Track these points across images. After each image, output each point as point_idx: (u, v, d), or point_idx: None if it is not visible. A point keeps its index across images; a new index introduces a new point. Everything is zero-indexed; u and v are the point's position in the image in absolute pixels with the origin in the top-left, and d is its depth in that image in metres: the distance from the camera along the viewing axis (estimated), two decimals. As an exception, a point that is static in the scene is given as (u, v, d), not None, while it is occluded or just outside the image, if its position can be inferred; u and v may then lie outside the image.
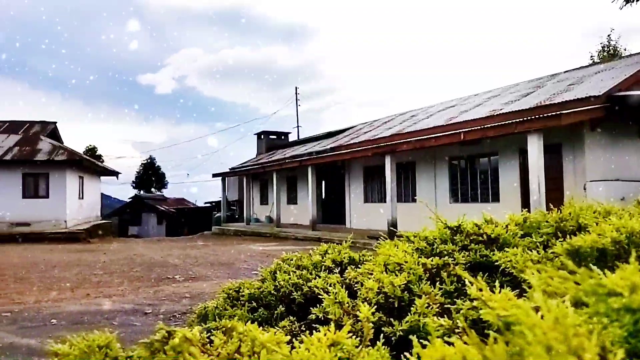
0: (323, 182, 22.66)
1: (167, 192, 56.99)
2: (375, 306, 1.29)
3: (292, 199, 23.83)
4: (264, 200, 26.65)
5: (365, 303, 1.15)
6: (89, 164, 23.46)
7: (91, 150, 48.69)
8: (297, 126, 38.67)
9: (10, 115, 39.37)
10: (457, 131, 11.84)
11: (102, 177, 29.13)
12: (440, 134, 12.46)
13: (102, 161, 41.37)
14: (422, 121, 16.60)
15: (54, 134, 25.15)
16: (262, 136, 31.27)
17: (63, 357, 0.89)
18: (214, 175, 27.76)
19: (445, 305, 1.29)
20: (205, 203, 46.34)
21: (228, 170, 28.06)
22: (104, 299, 7.02)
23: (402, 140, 13.92)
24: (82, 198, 23.81)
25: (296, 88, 39.26)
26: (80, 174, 23.05)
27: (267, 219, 24.66)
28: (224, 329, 1.14)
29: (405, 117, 19.77)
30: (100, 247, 16.98)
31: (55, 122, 25.38)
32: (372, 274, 1.56)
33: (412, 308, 1.29)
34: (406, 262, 1.54)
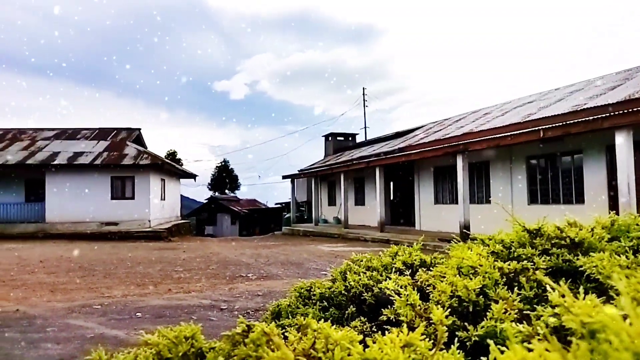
0: (391, 183, 22.40)
1: (240, 194, 59.24)
2: (449, 310, 1.26)
3: (359, 200, 23.80)
4: (331, 202, 26.86)
5: (439, 306, 1.14)
6: (170, 167, 24.98)
7: (171, 155, 51.83)
8: (365, 127, 38.59)
9: (100, 123, 42.87)
10: (536, 128, 11.18)
11: (181, 180, 30.93)
12: (517, 132, 11.83)
13: (181, 164, 43.88)
14: (496, 119, 15.88)
15: (139, 139, 27.10)
16: (330, 138, 31.54)
17: (153, 347, 0.98)
18: (284, 177, 28.46)
19: (524, 312, 1.24)
20: (276, 204, 47.58)
21: (297, 172, 28.62)
22: (183, 294, 7.44)
23: (475, 139, 13.40)
24: (164, 199, 25.42)
25: (363, 89, 39.21)
26: (162, 176, 24.63)
27: (335, 220, 24.82)
28: (297, 326, 1.17)
29: (478, 115, 19.03)
30: (180, 245, 18.02)
31: (140, 129, 27.32)
32: (444, 277, 1.53)
33: (488, 313, 1.25)
34: (481, 265, 1.49)
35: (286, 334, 1.06)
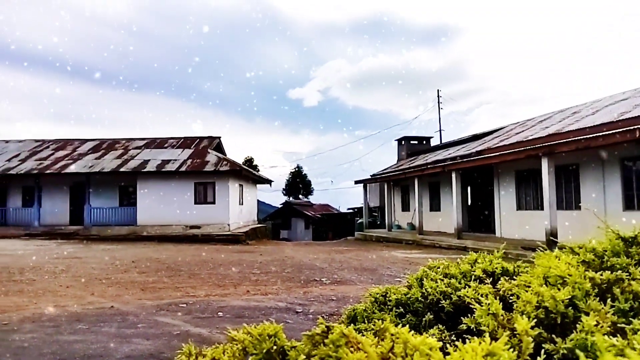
0: (468, 187, 21.57)
1: (313, 199, 60.15)
2: (534, 320, 1.20)
3: (435, 206, 23.17)
4: (405, 207, 26.39)
5: (524, 316, 1.09)
6: (247, 173, 26.00)
7: (249, 161, 53.94)
8: (440, 130, 37.57)
9: (184, 132, 45.78)
10: (631, 127, 10.24)
11: (257, 185, 32.07)
12: (610, 132, 10.90)
13: (258, 170, 45.51)
14: (586, 118, 14.75)
15: (219, 147, 28.53)
16: (403, 142, 31.08)
17: (238, 343, 1.03)
18: (356, 182, 28.45)
19: (619, 325, 1.15)
20: (348, 209, 47.73)
21: (369, 177, 28.50)
22: (261, 296, 7.69)
23: (562, 140, 12.52)
24: (242, 204, 26.50)
25: (438, 91, 38.23)
26: (240, 182, 25.71)
27: (409, 226, 24.36)
28: (374, 330, 1.18)
29: (565, 115, 17.78)
30: (257, 248, 18.66)
31: (220, 137, 28.76)
32: (529, 287, 1.45)
33: (577, 325, 1.17)
34: (570, 275, 1.40)
35: (359, 338, 1.07)
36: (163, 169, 23.18)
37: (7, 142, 29.15)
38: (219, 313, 6.30)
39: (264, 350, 0.97)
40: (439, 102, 37.56)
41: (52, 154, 26.51)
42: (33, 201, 24.51)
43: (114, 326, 5.51)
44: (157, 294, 7.83)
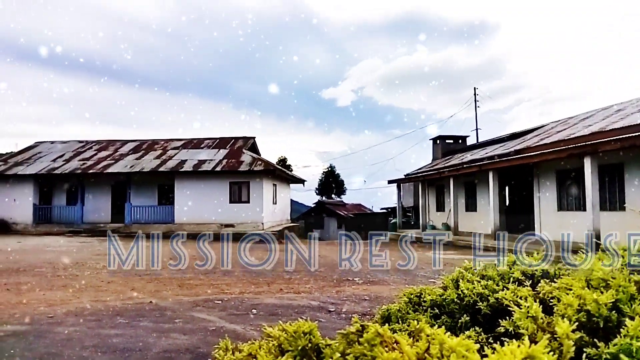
0: (506, 187, 21.01)
1: (346, 198, 60.06)
2: (575, 324, 1.17)
3: (471, 206, 22.68)
4: (440, 207, 25.97)
5: (565, 319, 1.06)
6: (281, 173, 26.24)
7: (282, 161, 54.42)
8: (477, 129, 36.77)
9: (220, 133, 46.71)
10: (683, 125, 9.72)
11: (290, 185, 32.32)
12: (658, 130, 10.39)
13: (291, 170, 45.85)
14: (632, 115, 14.10)
15: (253, 147, 28.92)
16: (438, 141, 30.57)
17: (274, 339, 1.05)
18: (389, 182, 28.20)
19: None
20: (381, 209, 47.40)
21: (403, 177, 28.20)
22: (294, 294, 7.75)
23: (606, 139, 12.01)
24: (276, 203, 26.77)
25: (475, 89, 37.42)
26: (274, 182, 25.99)
27: (443, 227, 23.97)
28: (408, 330, 1.18)
29: (608, 112, 17.05)
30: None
31: (254, 137, 29.15)
32: (570, 290, 1.41)
33: (621, 330, 1.13)
34: (614, 278, 1.35)
35: (397, 337, 1.06)
36: (199, 169, 23.70)
37: (52, 143, 30.52)
38: (253, 310, 6.39)
39: (299, 348, 0.98)
40: (475, 100, 36.77)
41: (95, 154, 27.57)
42: (77, 200, 25.56)
43: (152, 321, 5.68)
44: (193, 290, 8.02)
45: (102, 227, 24.28)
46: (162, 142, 29.35)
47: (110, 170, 24.35)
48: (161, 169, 24.15)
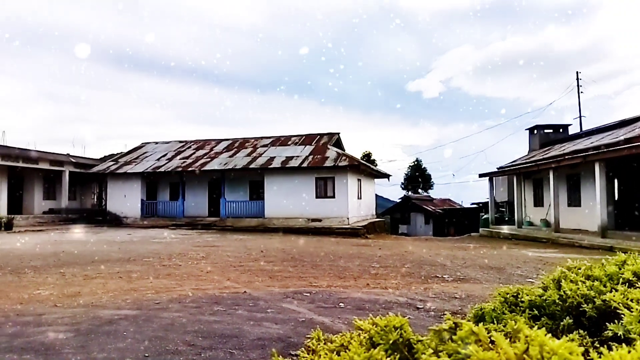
0: (615, 180, 19.05)
1: (433, 193, 58.46)
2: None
3: (573, 201, 20.91)
4: (538, 202, 24.26)
5: (687, 327, 0.95)
6: (365, 167, 26.23)
7: (367, 156, 54.33)
8: (580, 116, 33.82)
9: (306, 129, 47.83)
10: None
11: (375, 179, 32.17)
12: None
13: (376, 165, 45.59)
14: None
15: (338, 142, 29.22)
16: (535, 131, 28.51)
17: (365, 332, 1.07)
18: (481, 175, 26.90)
19: None
20: (472, 204, 45.43)
21: (496, 170, 26.75)
22: (380, 289, 7.73)
23: None
24: (360, 198, 26.83)
25: (577, 73, 34.41)
26: (358, 176, 26.05)
27: (542, 223, 22.37)
28: (504, 331, 1.13)
29: None
30: (376, 242, 18.75)
31: (339, 133, 29.43)
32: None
33: None
34: None
35: (492, 337, 1.03)
36: (287, 165, 24.48)
37: (156, 143, 33.34)
38: (340, 304, 6.48)
39: (391, 341, 0.99)
40: (578, 85, 33.78)
41: (193, 153, 29.64)
42: (178, 195, 27.72)
43: (246, 310, 6.00)
44: (283, 282, 8.32)
45: (200, 220, 26.08)
46: (253, 140, 30.75)
47: (206, 167, 26.05)
48: (252, 166, 25.32)
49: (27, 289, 7.46)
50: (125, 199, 27.80)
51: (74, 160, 29.41)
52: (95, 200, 33.98)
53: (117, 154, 33.89)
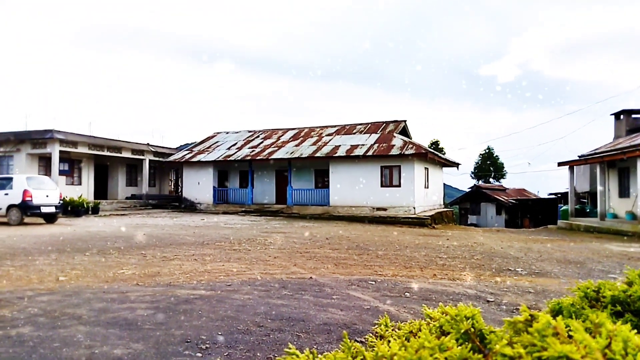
0: None
1: (506, 182, 55.83)
2: None
3: (666, 192, 19.06)
4: (623, 193, 22.39)
5: None
6: (433, 156, 25.57)
7: (434, 144, 52.92)
8: (675, 100, 30.53)
9: (371, 117, 47.39)
10: None
11: (443, 168, 31.27)
12: None
13: (444, 153, 44.29)
14: None
15: (404, 130, 28.69)
16: (621, 116, 26.19)
17: (435, 321, 1.06)
18: (560, 164, 25.23)
19: None
20: (549, 194, 42.86)
21: (576, 158, 24.97)
22: (448, 280, 7.56)
23: None
24: (427, 187, 26.24)
25: (673, 51, 31.05)
26: (425, 165, 25.47)
27: (628, 215, 20.64)
28: (584, 326, 1.07)
29: None
30: (443, 232, 18.29)
31: (405, 121, 28.87)
32: None
33: None
34: None
35: (570, 332, 0.98)
36: (352, 154, 24.46)
37: (227, 133, 34.64)
38: (406, 293, 6.43)
39: (462, 331, 0.97)
40: (673, 64, 30.46)
41: (262, 142, 30.48)
42: (247, 183, 28.71)
43: (312, 295, 6.13)
44: (348, 269, 8.39)
45: (268, 207, 26.86)
46: (318, 129, 31.00)
47: (274, 156, 26.69)
48: (317, 154, 25.57)
49: (112, 269, 8.12)
50: (199, 186, 29.25)
51: (153, 149, 31.36)
52: (172, 186, 36.11)
53: (191, 143, 35.64)
